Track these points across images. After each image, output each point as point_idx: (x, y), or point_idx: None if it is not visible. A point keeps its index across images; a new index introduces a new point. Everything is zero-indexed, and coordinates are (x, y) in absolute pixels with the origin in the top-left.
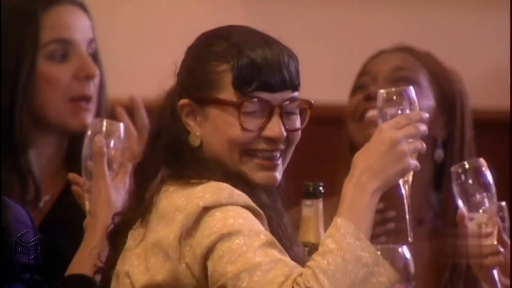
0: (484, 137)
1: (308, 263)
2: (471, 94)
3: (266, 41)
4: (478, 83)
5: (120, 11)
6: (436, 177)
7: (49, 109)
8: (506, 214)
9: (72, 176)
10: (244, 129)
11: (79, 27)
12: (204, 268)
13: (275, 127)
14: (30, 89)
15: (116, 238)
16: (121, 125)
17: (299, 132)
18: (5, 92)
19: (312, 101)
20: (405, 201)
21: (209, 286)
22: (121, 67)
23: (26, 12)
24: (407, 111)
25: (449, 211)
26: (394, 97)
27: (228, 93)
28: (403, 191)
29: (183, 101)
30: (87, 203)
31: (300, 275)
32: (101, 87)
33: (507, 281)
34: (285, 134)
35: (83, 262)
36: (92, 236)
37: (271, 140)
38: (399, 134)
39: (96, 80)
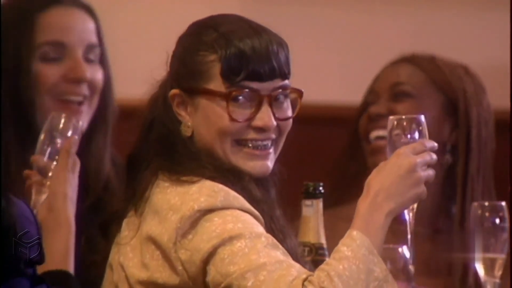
0: None
1: (322, 266)
2: None
3: (255, 30)
4: None
5: (119, 11)
6: (447, 183)
7: (36, 108)
8: (506, 214)
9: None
10: (232, 119)
11: (77, 29)
12: (203, 272)
13: (265, 117)
14: (21, 89)
15: (109, 227)
16: (80, 122)
17: (290, 121)
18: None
19: (302, 90)
20: (408, 229)
21: None
22: (120, 67)
23: (22, 12)
24: (417, 139)
25: (463, 216)
26: (404, 124)
27: (216, 84)
28: (407, 218)
29: (174, 91)
30: (37, 196)
31: (311, 275)
32: (106, 91)
33: None
34: (275, 123)
35: (55, 258)
36: (57, 231)
37: (261, 130)
38: (417, 160)
39: (98, 83)
